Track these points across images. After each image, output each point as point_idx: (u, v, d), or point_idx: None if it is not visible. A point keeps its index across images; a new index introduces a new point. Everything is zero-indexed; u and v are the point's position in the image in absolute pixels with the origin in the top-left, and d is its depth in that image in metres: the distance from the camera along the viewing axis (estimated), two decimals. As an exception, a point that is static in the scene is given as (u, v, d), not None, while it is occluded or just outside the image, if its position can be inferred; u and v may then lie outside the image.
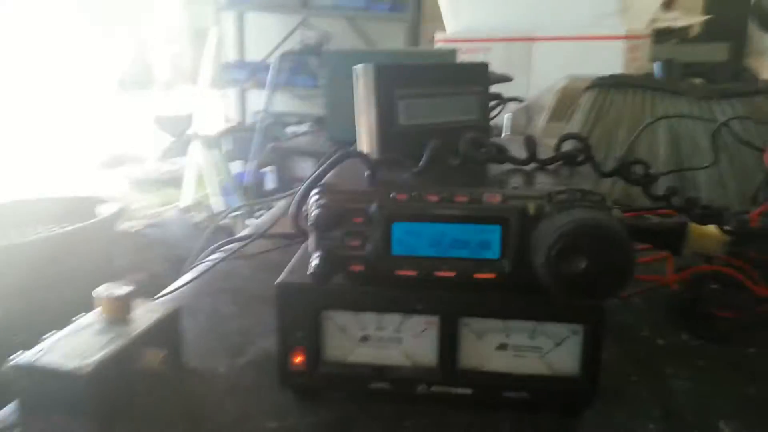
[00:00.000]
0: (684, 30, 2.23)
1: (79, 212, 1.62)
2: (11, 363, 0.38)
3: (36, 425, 0.38)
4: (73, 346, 0.40)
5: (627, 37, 1.14)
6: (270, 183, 2.82)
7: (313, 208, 0.37)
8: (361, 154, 0.41)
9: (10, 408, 0.40)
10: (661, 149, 0.79)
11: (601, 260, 0.32)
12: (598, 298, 0.33)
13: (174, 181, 4.24)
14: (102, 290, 0.42)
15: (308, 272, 0.37)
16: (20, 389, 0.38)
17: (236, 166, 3.11)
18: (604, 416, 0.40)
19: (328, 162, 0.41)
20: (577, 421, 0.40)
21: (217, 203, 2.95)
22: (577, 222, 0.32)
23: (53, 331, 0.42)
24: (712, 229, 0.50)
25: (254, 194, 2.60)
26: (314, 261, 0.37)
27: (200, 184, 3.65)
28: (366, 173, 0.41)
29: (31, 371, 0.38)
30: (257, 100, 3.40)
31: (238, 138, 3.13)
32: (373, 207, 0.37)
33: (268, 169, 2.65)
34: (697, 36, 2.34)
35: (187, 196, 3.50)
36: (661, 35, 2.07)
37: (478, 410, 0.40)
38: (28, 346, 0.40)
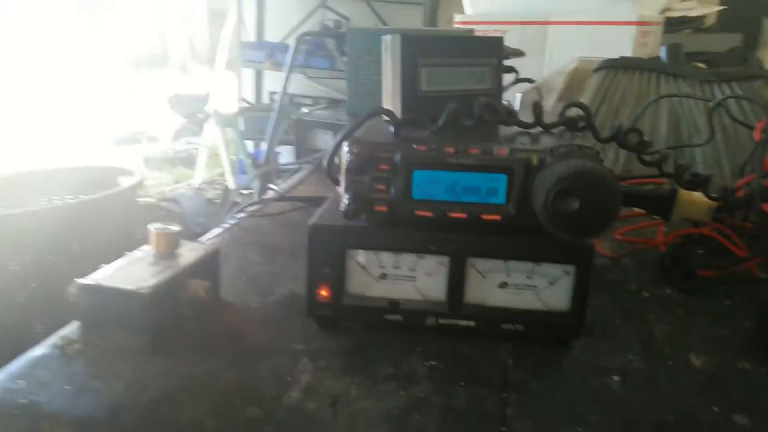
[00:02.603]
0: (699, 19, 2.25)
1: (97, 183, 1.62)
2: (79, 282, 0.43)
3: (94, 340, 0.44)
4: (130, 273, 0.45)
5: (638, 23, 1.17)
6: (284, 161, 2.87)
7: (345, 155, 0.42)
8: (388, 112, 0.46)
9: (71, 326, 0.46)
10: (662, 128, 0.83)
11: (591, 201, 0.37)
12: (588, 235, 0.39)
13: (187, 160, 4.29)
14: (154, 227, 0.48)
15: (340, 208, 0.42)
16: (83, 308, 0.44)
17: (250, 146, 3.15)
18: (591, 348, 0.46)
19: (359, 119, 0.46)
20: (566, 351, 0.45)
21: (231, 182, 3.00)
22: (573, 168, 0.37)
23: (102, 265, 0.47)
24: (699, 195, 0.55)
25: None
26: (345, 200, 0.42)
27: (213, 163, 3.69)
28: (391, 129, 0.46)
29: (96, 290, 0.43)
30: (273, 80, 3.43)
31: (253, 117, 3.16)
32: (398, 156, 0.42)
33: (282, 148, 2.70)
34: (712, 26, 2.36)
35: (200, 174, 3.56)
36: (676, 24, 2.09)
37: (479, 341, 0.46)
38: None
